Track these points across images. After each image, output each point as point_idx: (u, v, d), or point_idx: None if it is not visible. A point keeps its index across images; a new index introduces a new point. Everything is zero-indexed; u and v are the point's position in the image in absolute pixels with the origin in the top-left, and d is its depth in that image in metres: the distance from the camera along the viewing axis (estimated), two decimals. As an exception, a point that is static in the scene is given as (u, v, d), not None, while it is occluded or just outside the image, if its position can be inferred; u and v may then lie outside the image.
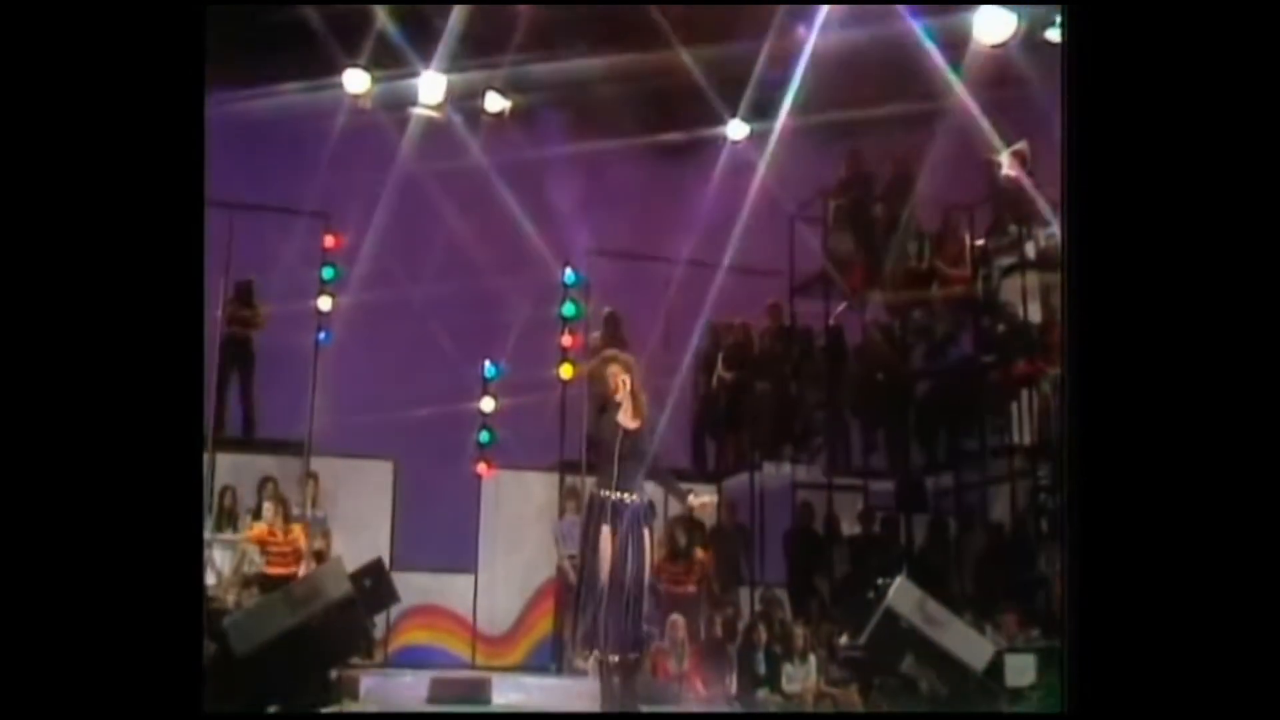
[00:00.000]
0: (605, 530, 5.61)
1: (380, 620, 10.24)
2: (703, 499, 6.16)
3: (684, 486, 6.41)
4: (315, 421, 10.88)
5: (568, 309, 11.59)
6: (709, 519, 10.23)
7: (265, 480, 10.58)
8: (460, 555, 11.41)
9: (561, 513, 10.96)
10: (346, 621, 7.57)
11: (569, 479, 11.16)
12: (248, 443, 11.14)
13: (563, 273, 11.68)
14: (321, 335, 11.22)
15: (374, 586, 8.37)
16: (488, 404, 11.89)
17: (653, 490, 6.05)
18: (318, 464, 11.01)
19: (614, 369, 5.82)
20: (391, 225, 11.45)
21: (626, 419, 5.73)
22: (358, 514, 11.07)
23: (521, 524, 11.32)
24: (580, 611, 5.78)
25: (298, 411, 10.70)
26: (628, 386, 5.80)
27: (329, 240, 11.37)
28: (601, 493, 5.72)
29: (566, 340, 11.68)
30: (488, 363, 11.75)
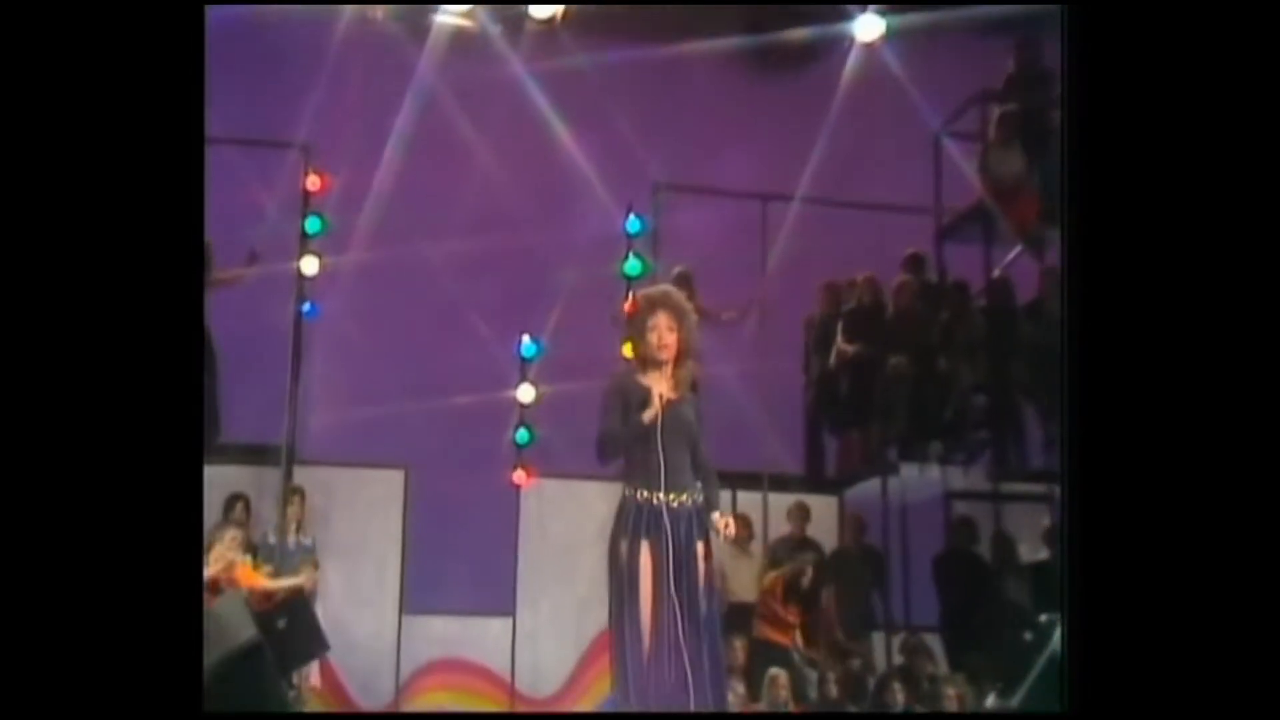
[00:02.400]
0: (645, 548, 4.49)
1: (390, 677, 9.05)
2: (726, 518, 4.70)
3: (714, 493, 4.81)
4: (299, 420, 9.25)
5: (631, 266, 9.36)
6: (732, 546, 8.59)
7: (233, 500, 8.94)
8: (494, 593, 9.81)
9: None
10: (249, 678, 6.21)
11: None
12: (210, 449, 8.97)
13: (624, 219, 9.50)
14: (306, 307, 9.32)
15: (291, 629, 7.00)
16: (526, 393, 9.94)
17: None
18: (303, 475, 9.28)
19: (661, 318, 4.63)
20: (400, 162, 9.57)
21: (666, 386, 4.59)
22: (357, 540, 9.58)
23: (573, 550, 9.51)
24: (618, 668, 4.68)
25: (275, 407, 8.93)
26: (674, 342, 4.63)
27: (313, 182, 9.28)
28: (638, 494, 4.57)
29: (630, 307, 9.10)
30: (526, 339, 9.82)
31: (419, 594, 9.47)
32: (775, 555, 9.18)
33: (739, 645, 8.52)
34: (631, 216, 9.45)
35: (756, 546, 9.37)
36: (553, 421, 9.71)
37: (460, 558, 9.61)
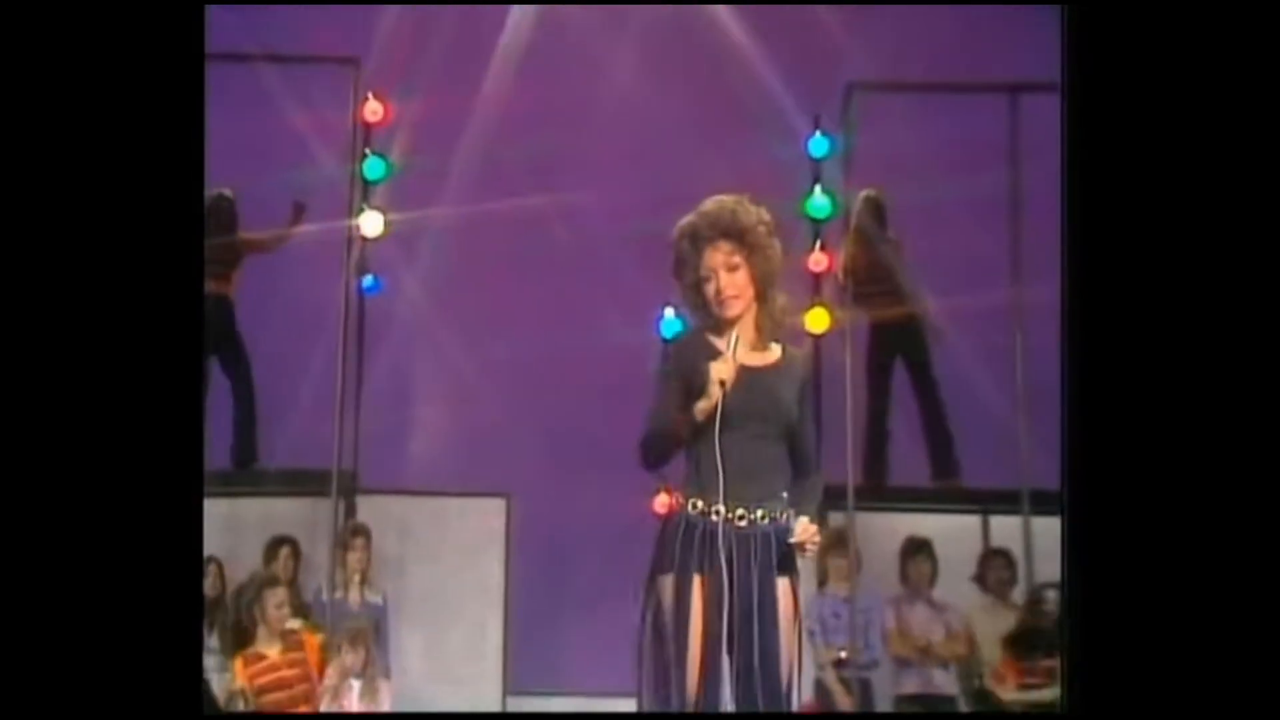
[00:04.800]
0: (695, 583, 3.61)
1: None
2: (806, 524, 3.64)
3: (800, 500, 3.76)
4: (360, 436, 7.63)
5: (817, 205, 7.37)
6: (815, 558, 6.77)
7: (276, 545, 7.29)
8: (626, 665, 7.37)
9: (821, 580, 7.27)
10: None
11: (831, 517, 7.34)
12: (242, 477, 7.80)
13: (807, 137, 7.48)
14: (366, 282, 7.79)
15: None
16: (670, 389, 7.71)
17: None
18: (368, 510, 7.73)
19: (716, 251, 3.62)
20: (498, 84, 7.94)
21: (744, 350, 3.62)
22: (444, 596, 7.90)
23: None
24: None
25: (328, 419, 7.09)
26: (743, 283, 3.65)
27: (372, 110, 7.49)
28: (691, 507, 3.65)
29: (815, 261, 7.43)
30: (670, 313, 7.79)
31: (527, 668, 7.99)
32: (1038, 605, 6.86)
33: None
34: (818, 134, 7.51)
35: (1019, 594, 7.09)
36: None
37: (583, 617, 8.05)
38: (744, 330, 3.65)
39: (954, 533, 6.97)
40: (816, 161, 7.57)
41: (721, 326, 3.64)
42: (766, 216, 3.70)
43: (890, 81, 7.63)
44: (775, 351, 3.75)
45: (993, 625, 6.82)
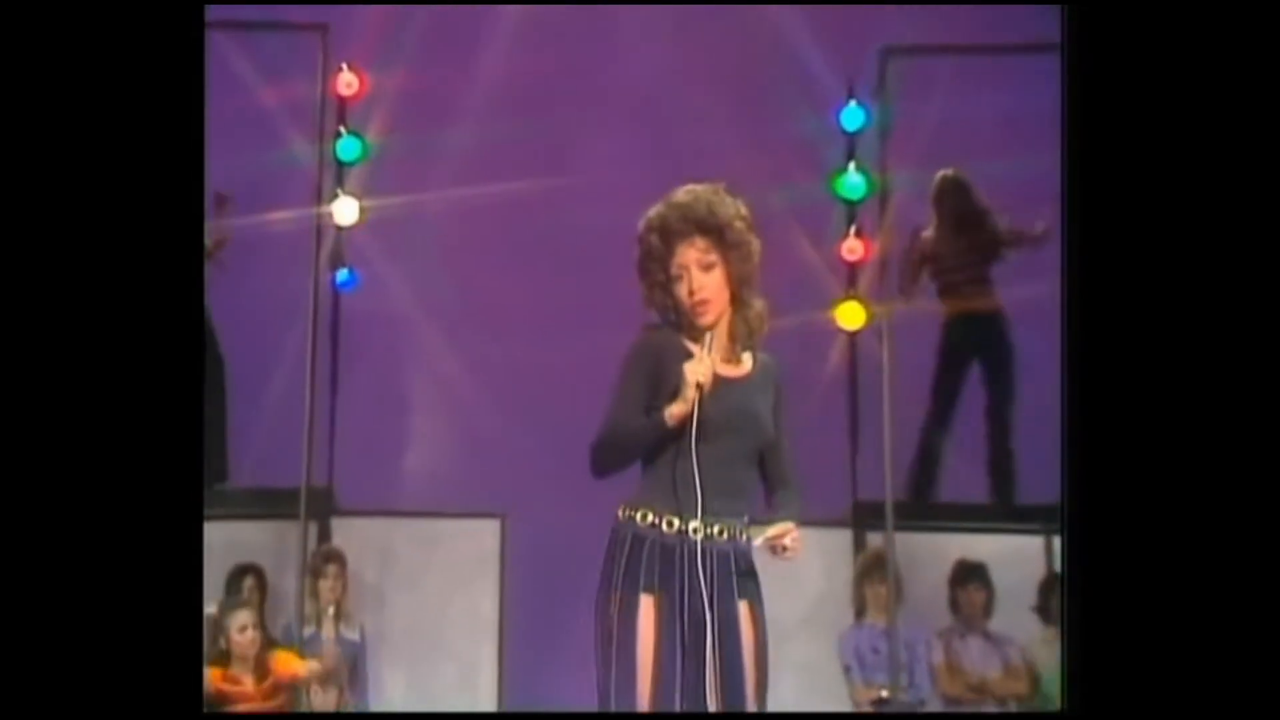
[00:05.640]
0: (644, 607, 3.42)
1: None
2: (783, 528, 3.45)
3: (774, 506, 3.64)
4: (335, 450, 7.13)
5: (851, 184, 6.83)
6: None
7: (239, 574, 6.79)
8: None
9: (858, 610, 6.89)
10: None
11: (870, 538, 7.04)
12: (207, 499, 6.62)
13: (839, 106, 6.88)
14: (340, 276, 7.25)
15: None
16: (692, 392, 7.20)
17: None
18: (344, 533, 7.15)
19: (689, 248, 3.45)
20: (490, 52, 7.34)
21: (718, 358, 3.48)
22: (429, 627, 7.31)
23: (775, 637, 6.53)
24: None
25: (295, 434, 6.57)
26: (716, 285, 3.48)
27: (346, 82, 7.00)
28: (642, 518, 3.45)
29: (849, 249, 6.90)
30: None
31: (523, 709, 7.25)
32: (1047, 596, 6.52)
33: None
34: (852, 103, 6.89)
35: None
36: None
37: (587, 652, 6.74)
38: (713, 340, 3.47)
39: (1012, 556, 6.50)
40: (850, 135, 7.03)
41: (693, 334, 3.44)
42: (744, 210, 3.52)
43: (932, 44, 6.97)
44: (746, 361, 3.58)
45: (1058, 660, 6.24)
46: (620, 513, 3.48)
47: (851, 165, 6.99)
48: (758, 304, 3.53)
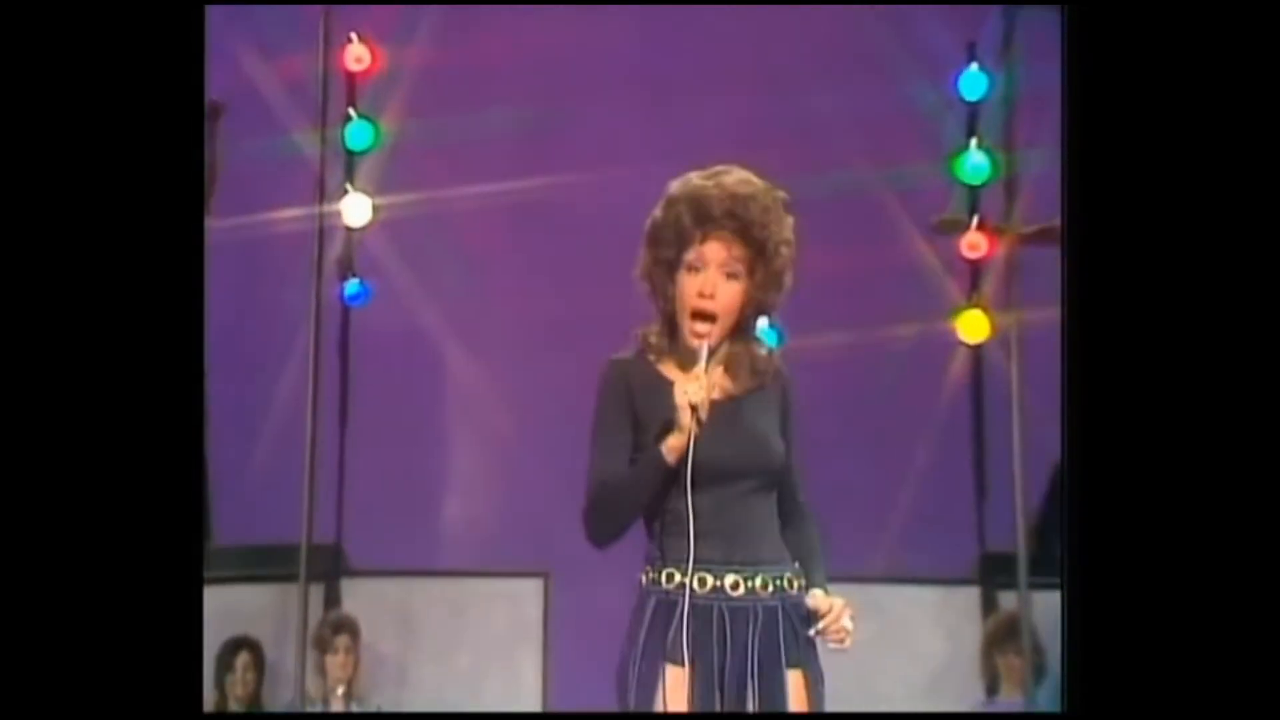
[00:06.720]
0: (666, 678, 3.16)
1: None
2: (832, 603, 3.18)
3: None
4: (344, 500, 6.51)
5: (973, 166, 6.19)
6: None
7: (233, 648, 6.33)
8: None
9: (990, 686, 6.46)
10: None
11: (1002, 597, 6.58)
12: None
13: (957, 71, 6.44)
14: (350, 288, 6.61)
15: None
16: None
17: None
18: (356, 598, 6.60)
19: (711, 244, 3.18)
20: (518, 20, 6.57)
21: (716, 374, 3.23)
22: (460, 706, 6.66)
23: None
24: None
25: (295, 477, 5.85)
26: (737, 295, 3.17)
27: (356, 57, 6.39)
28: (661, 577, 3.22)
29: (970, 245, 6.27)
30: (762, 322, 6.39)
31: None
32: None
33: None
34: (972, 67, 6.20)
35: None
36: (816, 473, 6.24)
37: None
38: (714, 352, 3.20)
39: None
40: (971, 106, 6.38)
41: (675, 350, 3.17)
42: (791, 220, 3.22)
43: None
44: (752, 374, 3.33)
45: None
46: (643, 577, 3.19)
47: (973, 142, 6.43)
48: (764, 349, 3.26)
